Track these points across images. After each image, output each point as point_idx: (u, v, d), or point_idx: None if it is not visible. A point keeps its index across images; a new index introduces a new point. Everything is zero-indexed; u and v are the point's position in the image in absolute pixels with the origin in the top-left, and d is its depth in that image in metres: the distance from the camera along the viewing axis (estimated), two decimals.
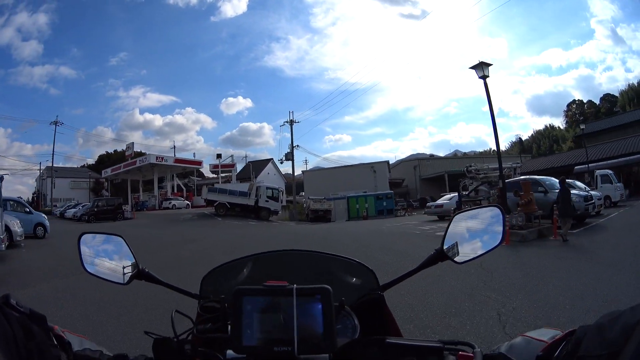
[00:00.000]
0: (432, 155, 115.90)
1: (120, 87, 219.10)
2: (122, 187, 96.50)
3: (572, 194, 24.73)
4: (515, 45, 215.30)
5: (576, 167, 60.11)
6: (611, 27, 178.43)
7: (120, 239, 2.26)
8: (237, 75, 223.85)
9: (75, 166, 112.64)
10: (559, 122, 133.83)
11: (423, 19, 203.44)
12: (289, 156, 78.23)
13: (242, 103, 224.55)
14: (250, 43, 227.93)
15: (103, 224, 52.71)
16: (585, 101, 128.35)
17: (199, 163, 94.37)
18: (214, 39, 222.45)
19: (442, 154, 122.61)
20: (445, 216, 41.50)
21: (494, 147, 36.74)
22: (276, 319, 1.59)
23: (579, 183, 33.72)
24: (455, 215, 2.16)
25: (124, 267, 2.22)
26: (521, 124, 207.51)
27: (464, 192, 37.89)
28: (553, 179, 30.15)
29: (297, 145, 79.69)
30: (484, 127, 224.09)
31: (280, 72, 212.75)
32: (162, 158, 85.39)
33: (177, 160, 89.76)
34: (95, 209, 62.16)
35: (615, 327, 1.07)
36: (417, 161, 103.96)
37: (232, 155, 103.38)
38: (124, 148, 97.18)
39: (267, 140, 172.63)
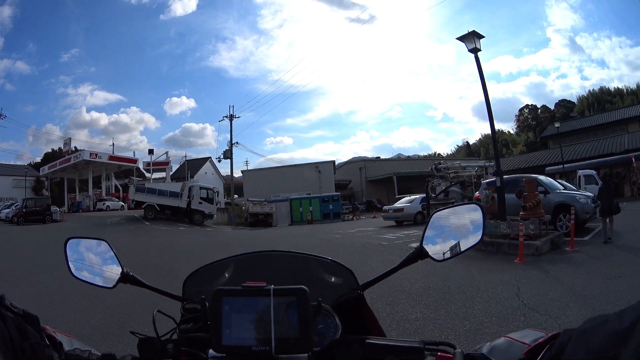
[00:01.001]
0: (378, 157, 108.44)
1: (70, 84, 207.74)
2: (63, 186, 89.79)
3: (577, 194, 23.27)
4: (463, 51, 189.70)
5: (548, 168, 56.95)
6: (570, 36, 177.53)
7: (105, 243, 2.23)
8: (183, 74, 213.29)
9: (22, 164, 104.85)
10: (507, 127, 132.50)
11: (371, 23, 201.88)
12: (228, 154, 69.87)
13: (185, 103, 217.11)
14: (197, 42, 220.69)
15: (30, 227, 48.06)
16: (539, 106, 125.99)
17: (135, 161, 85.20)
18: (162, 38, 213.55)
19: (384, 157, 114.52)
20: (404, 222, 37.38)
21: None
22: (254, 319, 1.59)
23: (567, 184, 28.89)
24: (435, 212, 2.12)
25: (109, 271, 2.19)
26: (466, 128, 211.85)
27: (432, 194, 34.58)
28: (550, 178, 26.74)
29: (237, 143, 70.29)
30: (427, 132, 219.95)
31: (224, 73, 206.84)
32: (97, 155, 78.73)
33: (112, 158, 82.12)
34: (24, 210, 56.06)
35: (601, 334, 1.04)
36: (362, 162, 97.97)
37: (166, 152, 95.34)
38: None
39: (209, 141, 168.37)
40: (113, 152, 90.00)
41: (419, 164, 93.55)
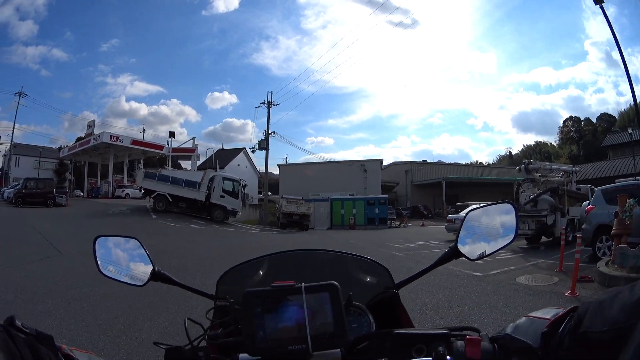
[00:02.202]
0: (424, 161, 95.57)
1: (109, 73, 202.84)
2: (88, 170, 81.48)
3: None
4: (504, 61, 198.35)
5: (617, 180, 41.50)
6: (606, 50, 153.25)
7: (136, 241, 2.17)
8: (225, 70, 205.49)
9: (49, 146, 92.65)
10: (546, 139, 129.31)
11: (413, 28, 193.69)
12: (263, 144, 58.51)
13: (227, 98, 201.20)
14: (240, 40, 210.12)
15: (25, 210, 41.39)
16: (582, 119, 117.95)
17: (161, 147, 73.34)
18: (204, 33, 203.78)
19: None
20: None
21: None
22: (287, 318, 1.54)
23: None
24: (469, 212, 2.06)
25: (140, 269, 2.12)
26: (505, 139, 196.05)
27: (520, 204, 25.45)
28: None
29: (274, 132, 59.49)
30: (467, 140, 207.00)
31: (267, 71, 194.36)
32: (117, 137, 69.02)
33: (136, 142, 71.19)
34: (24, 191, 48.10)
35: (615, 305, 1.08)
36: (409, 165, 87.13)
37: (193, 138, 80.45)
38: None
39: (250, 137, 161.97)
40: (143, 139, 79.14)
41: (467, 170, 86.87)
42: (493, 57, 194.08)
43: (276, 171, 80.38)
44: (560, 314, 1.25)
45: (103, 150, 70.89)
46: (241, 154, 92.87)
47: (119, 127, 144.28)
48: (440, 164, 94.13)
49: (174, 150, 74.68)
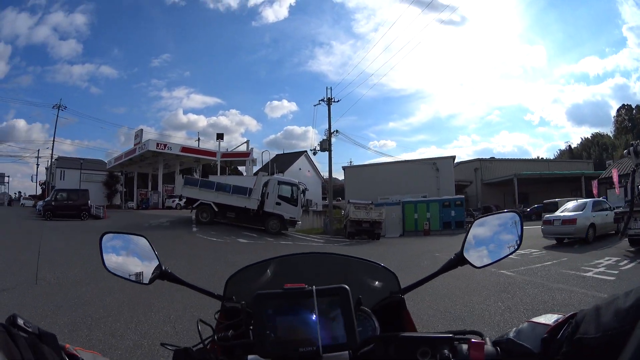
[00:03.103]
0: (492, 158, 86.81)
1: (164, 87, 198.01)
2: (139, 181, 76.68)
3: None
4: (553, 53, 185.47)
5: None
6: None
7: (143, 239, 2.10)
8: (281, 79, 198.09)
9: (99, 159, 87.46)
10: (600, 131, 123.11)
11: (462, 25, 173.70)
12: (325, 145, 49.87)
13: (286, 107, 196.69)
14: (293, 48, 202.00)
15: (54, 223, 37.23)
16: (633, 107, 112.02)
17: (214, 154, 64.67)
18: (256, 43, 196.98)
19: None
20: (565, 239, 24.74)
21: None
22: (298, 320, 1.53)
23: None
24: (475, 220, 2.03)
25: (146, 267, 2.05)
26: (562, 133, 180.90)
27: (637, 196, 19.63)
28: None
29: (337, 131, 50.56)
30: (525, 136, 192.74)
31: (323, 77, 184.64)
32: (165, 145, 62.26)
33: (186, 149, 64.18)
34: (53, 203, 43.96)
35: (609, 311, 1.10)
36: (478, 162, 78.40)
37: (247, 141, 70.28)
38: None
39: (312, 144, 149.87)
40: (198, 147, 72.30)
41: (534, 166, 78.70)
42: (542, 50, 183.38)
43: (340, 176, 70.92)
44: (560, 320, 1.28)
45: (152, 159, 64.73)
46: (302, 158, 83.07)
47: (178, 138, 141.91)
48: (509, 160, 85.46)
49: (226, 155, 65.64)
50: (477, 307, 10.50)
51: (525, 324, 1.39)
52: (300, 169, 75.66)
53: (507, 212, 2.04)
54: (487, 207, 61.39)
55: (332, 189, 55.21)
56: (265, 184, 37.19)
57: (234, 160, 68.85)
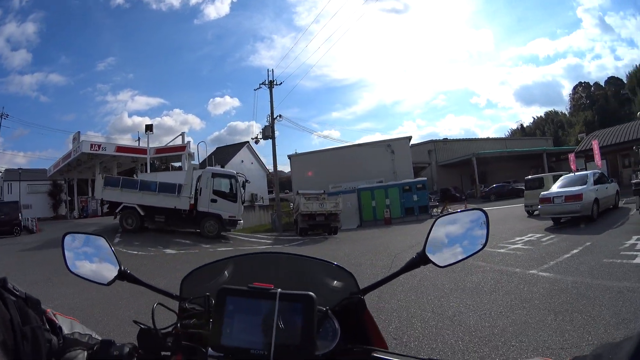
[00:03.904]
0: (446, 139, 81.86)
1: (109, 91, 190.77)
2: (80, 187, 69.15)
3: None
4: (501, 36, 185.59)
5: None
6: (599, 16, 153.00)
7: (102, 239, 2.04)
8: (224, 75, 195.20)
9: (40, 168, 79.14)
10: (552, 109, 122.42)
11: (405, 12, 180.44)
12: (268, 131, 43.05)
13: (229, 102, 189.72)
14: (235, 44, 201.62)
15: None
16: (591, 84, 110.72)
17: (145, 152, 56.01)
18: (198, 41, 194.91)
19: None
20: (561, 218, 21.85)
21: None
22: (257, 321, 1.51)
23: None
24: (438, 218, 1.94)
25: (106, 268, 2.00)
26: (510, 114, 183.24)
27: None
28: None
29: (280, 116, 43.46)
30: (472, 119, 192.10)
31: (265, 71, 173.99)
32: (99, 146, 53.78)
33: (121, 149, 55.70)
34: None
35: (615, 357, 0.93)
36: (431, 144, 74.78)
37: (183, 133, 60.34)
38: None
39: (253, 132, 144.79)
40: (139, 146, 62.67)
41: (492, 144, 75.85)
42: (489, 34, 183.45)
43: (287, 168, 64.42)
44: None
45: (89, 162, 57.09)
46: (244, 149, 72.35)
47: (125, 142, 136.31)
48: (463, 140, 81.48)
49: (160, 150, 57.06)
50: (544, 334, 6.81)
51: None
52: (242, 161, 67.35)
53: (472, 209, 1.93)
54: (445, 189, 60.30)
55: (279, 181, 49.12)
56: (198, 179, 30.76)
57: (169, 156, 59.86)
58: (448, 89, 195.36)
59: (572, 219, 21.15)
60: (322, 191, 35.65)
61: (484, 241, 1.82)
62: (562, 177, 24.88)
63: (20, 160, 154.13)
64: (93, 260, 1.98)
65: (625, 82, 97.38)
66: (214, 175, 30.89)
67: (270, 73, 43.67)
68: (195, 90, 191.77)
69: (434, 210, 42.04)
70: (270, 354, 1.39)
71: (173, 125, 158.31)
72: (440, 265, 1.79)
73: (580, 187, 21.37)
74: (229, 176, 31.42)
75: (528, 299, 8.74)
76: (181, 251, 23.18)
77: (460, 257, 1.82)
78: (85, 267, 1.97)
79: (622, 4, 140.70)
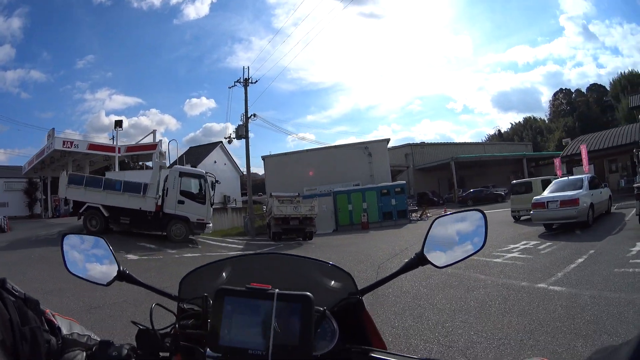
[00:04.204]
0: (423, 142, 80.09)
1: (87, 89, 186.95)
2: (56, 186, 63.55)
3: None
4: (480, 42, 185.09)
5: None
6: (583, 24, 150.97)
7: (102, 240, 2.07)
8: (201, 76, 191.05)
9: (17, 165, 77.32)
10: (530, 116, 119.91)
11: (384, 18, 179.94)
12: (242, 131, 40.31)
13: (205, 104, 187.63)
14: (214, 44, 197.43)
15: None
16: (572, 91, 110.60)
17: (118, 150, 53.49)
18: (177, 41, 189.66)
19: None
20: (553, 225, 20.90)
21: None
22: (255, 321, 1.51)
23: None
24: (436, 219, 1.97)
25: (106, 269, 2.03)
26: (487, 119, 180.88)
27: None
28: None
29: (254, 115, 40.96)
30: (448, 124, 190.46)
31: (241, 73, 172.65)
32: (72, 143, 51.76)
33: (93, 147, 53.94)
34: None
35: None
36: (409, 148, 73.13)
37: (153, 131, 59.25)
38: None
39: (227, 132, 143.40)
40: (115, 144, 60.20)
41: (470, 149, 74.92)
42: (468, 40, 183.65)
43: (261, 170, 61.93)
44: None
45: (62, 160, 55.02)
46: (217, 150, 69.14)
47: (101, 140, 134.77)
48: (441, 144, 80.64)
49: (131, 149, 55.15)
50: None
51: None
52: (215, 161, 64.55)
53: (470, 210, 1.95)
54: (422, 193, 59.46)
55: (253, 184, 46.80)
56: (166, 179, 28.29)
57: (140, 155, 57.36)
58: (424, 94, 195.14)
59: (564, 225, 20.19)
60: (297, 194, 33.55)
61: (482, 242, 1.82)
62: (554, 182, 23.98)
63: (1, 157, 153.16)
64: (92, 260, 1.99)
65: (609, 89, 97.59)
66: (182, 174, 28.47)
67: (245, 71, 42.18)
68: (172, 90, 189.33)
69: (413, 215, 40.69)
70: (268, 354, 1.39)
71: (149, 125, 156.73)
72: (439, 265, 1.79)
73: (576, 192, 20.41)
74: (198, 176, 29.11)
75: (547, 320, 7.59)
76: (144, 257, 21.24)
77: (458, 258, 1.81)
78: (84, 268, 1.98)
79: (609, 12, 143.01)
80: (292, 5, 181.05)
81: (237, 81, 41.41)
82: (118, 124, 51.91)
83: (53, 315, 1.45)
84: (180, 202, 26.95)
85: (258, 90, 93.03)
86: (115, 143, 50.34)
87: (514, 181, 32.01)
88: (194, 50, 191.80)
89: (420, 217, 40.52)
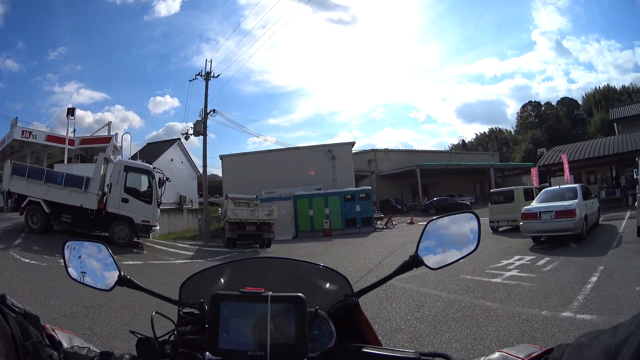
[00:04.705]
0: (387, 149, 77.11)
1: (57, 82, 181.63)
2: None
3: None
4: (447, 54, 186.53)
5: None
6: (556, 39, 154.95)
7: (102, 246, 2.10)
8: (167, 74, 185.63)
9: None
10: (493, 127, 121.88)
11: (352, 24, 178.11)
12: (200, 127, 37.41)
13: (169, 102, 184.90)
14: (181, 43, 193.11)
15: None
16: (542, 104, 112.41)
17: (72, 142, 49.47)
18: (146, 38, 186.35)
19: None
20: (542, 237, 18.78)
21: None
22: (251, 324, 1.50)
23: None
24: (430, 221, 1.97)
25: (106, 274, 2.05)
26: (450, 130, 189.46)
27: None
28: None
29: (214, 110, 37.80)
30: (410, 133, 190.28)
31: (208, 72, 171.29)
32: (30, 133, 48.06)
33: (52, 138, 49.83)
34: None
35: (595, 348, 0.96)
36: (372, 153, 69.99)
37: (109, 123, 56.08)
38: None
39: (193, 140, 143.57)
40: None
41: (435, 157, 72.64)
42: (436, 50, 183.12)
43: (221, 172, 56.60)
44: (535, 354, 1.19)
45: (22, 151, 50.87)
46: (175, 147, 61.09)
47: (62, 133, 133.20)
48: (406, 150, 78.78)
49: (85, 141, 51.54)
50: None
51: (496, 354, 1.30)
52: (172, 159, 57.78)
53: (462, 212, 1.99)
54: (385, 200, 57.68)
55: (212, 185, 46.01)
56: (108, 172, 25.29)
57: (95, 148, 51.78)
58: (387, 102, 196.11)
59: (554, 238, 18.39)
60: (255, 196, 30.32)
61: (475, 244, 1.84)
62: (543, 191, 22.18)
63: None
64: (93, 266, 2.00)
65: (581, 103, 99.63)
66: (127, 169, 24.98)
67: (208, 64, 40.40)
68: (137, 87, 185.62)
69: (378, 223, 38.30)
70: (267, 354, 1.40)
71: (113, 121, 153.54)
72: (433, 267, 1.82)
73: (572, 202, 18.63)
74: (145, 171, 25.73)
75: None
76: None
77: (452, 259, 1.84)
78: (85, 274, 1.99)
79: (586, 28, 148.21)
80: (261, 7, 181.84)
81: (199, 74, 39.07)
82: (70, 112, 48.16)
83: (53, 330, 1.43)
84: (124, 200, 23.90)
85: (221, 87, 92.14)
86: (66, 133, 46.74)
87: (493, 189, 30.34)
88: (161, 48, 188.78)
89: (385, 225, 38.14)
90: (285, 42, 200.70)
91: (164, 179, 25.79)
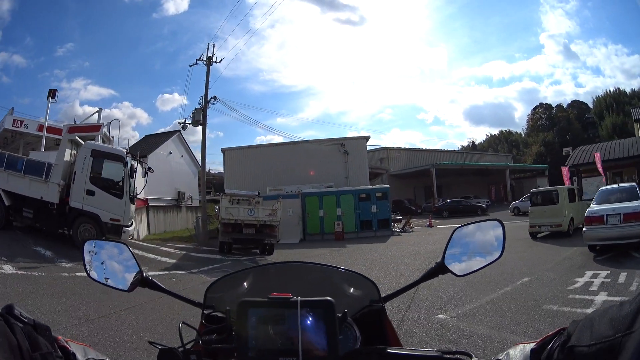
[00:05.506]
0: (400, 147, 71.31)
1: (64, 78, 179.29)
2: None
3: None
4: (455, 56, 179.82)
5: None
6: (564, 43, 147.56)
7: (124, 246, 2.04)
8: (175, 72, 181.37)
9: None
10: (500, 130, 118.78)
11: (361, 25, 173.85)
12: (199, 116, 32.90)
13: (177, 100, 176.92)
14: (190, 41, 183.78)
15: None
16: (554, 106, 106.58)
17: (75, 130, 44.33)
18: (154, 35, 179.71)
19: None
20: (597, 246, 15.38)
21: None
22: (281, 330, 1.51)
23: None
24: (457, 228, 1.95)
25: (127, 274, 1.98)
26: (457, 132, 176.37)
27: None
28: None
29: (214, 98, 33.20)
30: (418, 134, 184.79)
31: (215, 71, 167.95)
32: (22, 122, 40.01)
33: (42, 128, 43.31)
34: None
35: (604, 319, 1.02)
36: (385, 152, 64.16)
37: (99, 110, 41.09)
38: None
39: (197, 137, 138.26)
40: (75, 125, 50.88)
41: (450, 157, 69.05)
42: (444, 52, 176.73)
43: (221, 167, 49.77)
44: (549, 333, 1.20)
45: (15, 142, 42.96)
46: (174, 139, 53.07)
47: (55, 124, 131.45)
48: (419, 150, 73.55)
49: (74, 129, 46.02)
50: None
51: (516, 347, 1.28)
52: (170, 152, 50.24)
53: (488, 220, 1.95)
54: (398, 200, 50.83)
55: (216, 182, 42.04)
56: (74, 158, 20.21)
57: (85, 137, 47.48)
58: (395, 103, 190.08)
59: (608, 247, 14.78)
60: (257, 193, 25.08)
61: (500, 251, 1.82)
62: (600, 190, 18.08)
63: None
64: (114, 266, 1.95)
65: (591, 106, 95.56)
66: (95, 153, 19.81)
67: (210, 48, 34.09)
68: (145, 84, 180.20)
69: (395, 226, 33.24)
70: (299, 359, 1.39)
71: (121, 117, 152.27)
72: (458, 274, 1.81)
73: (638, 203, 14.98)
74: (117, 156, 20.17)
75: None
76: (21, 271, 13.78)
77: (477, 267, 1.82)
78: (105, 274, 1.93)
79: (594, 32, 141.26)
80: (269, 7, 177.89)
81: (199, 59, 33.89)
82: (51, 93, 43.31)
83: (66, 342, 1.33)
84: (90, 192, 18.91)
85: (224, 78, 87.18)
86: (45, 117, 41.65)
87: (533, 189, 25.76)
88: (169, 46, 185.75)
89: (403, 228, 33.25)
90: (294, 41, 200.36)
91: (147, 168, 21.34)
